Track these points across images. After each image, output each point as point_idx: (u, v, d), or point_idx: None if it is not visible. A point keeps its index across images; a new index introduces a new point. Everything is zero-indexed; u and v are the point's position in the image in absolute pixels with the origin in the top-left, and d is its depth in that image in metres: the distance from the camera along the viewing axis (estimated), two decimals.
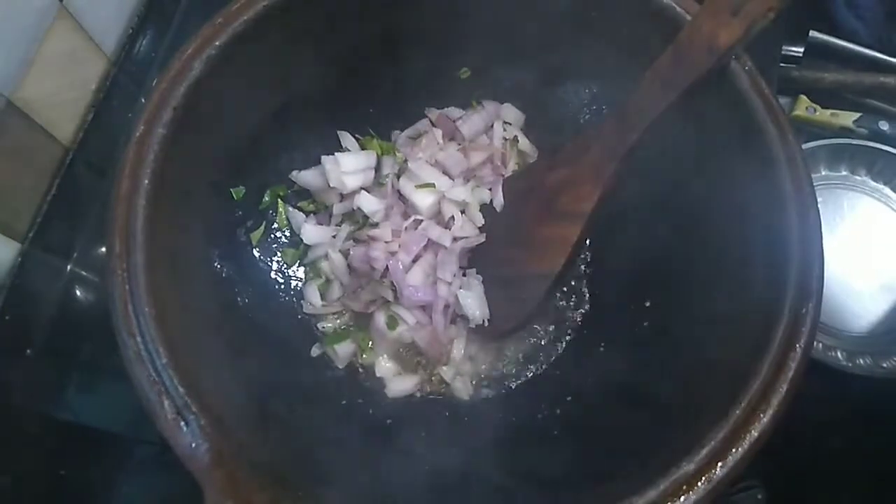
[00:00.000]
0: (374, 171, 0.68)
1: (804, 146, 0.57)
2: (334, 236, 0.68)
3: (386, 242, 0.65)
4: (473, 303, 0.65)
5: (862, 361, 0.69)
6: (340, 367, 0.65)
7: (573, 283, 0.69)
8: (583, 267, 0.69)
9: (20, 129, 0.66)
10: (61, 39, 0.69)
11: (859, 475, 0.69)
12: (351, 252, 0.66)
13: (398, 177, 0.68)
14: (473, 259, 0.68)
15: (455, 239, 0.66)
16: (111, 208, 0.47)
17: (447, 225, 0.67)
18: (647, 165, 0.59)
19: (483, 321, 0.65)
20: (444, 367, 0.65)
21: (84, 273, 0.71)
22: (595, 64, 0.64)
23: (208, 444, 0.41)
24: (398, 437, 0.60)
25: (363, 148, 0.70)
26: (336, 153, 0.66)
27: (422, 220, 0.66)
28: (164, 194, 0.48)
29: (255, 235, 0.65)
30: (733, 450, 0.41)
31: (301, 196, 0.69)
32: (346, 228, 0.68)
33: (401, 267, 0.64)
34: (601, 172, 0.58)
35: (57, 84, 0.70)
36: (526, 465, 0.55)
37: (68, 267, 0.71)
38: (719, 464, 0.41)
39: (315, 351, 0.65)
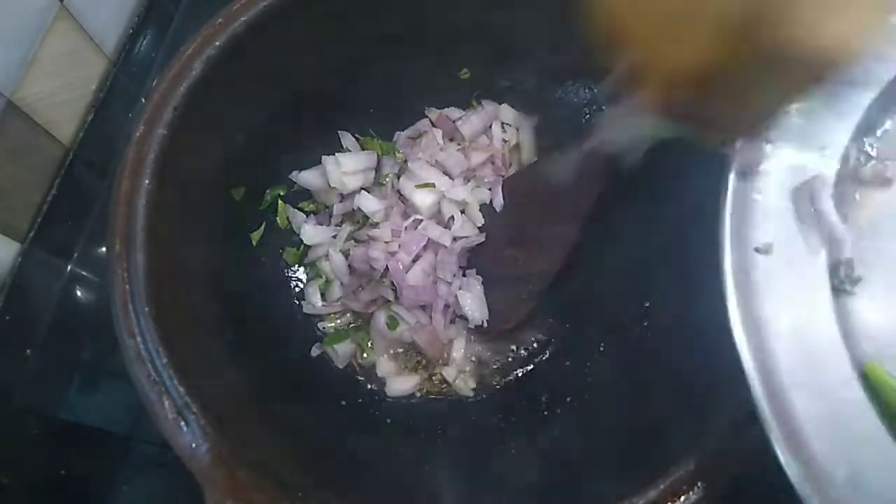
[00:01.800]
0: (374, 172, 0.68)
1: None
2: (334, 236, 0.68)
3: (386, 242, 0.65)
4: (473, 304, 0.65)
5: None
6: (340, 366, 0.65)
7: (573, 282, 0.69)
8: (582, 266, 0.69)
9: (20, 129, 0.66)
10: (61, 39, 0.69)
11: None
12: (351, 252, 0.66)
13: (398, 177, 0.68)
14: (473, 259, 0.68)
15: (455, 239, 0.66)
16: (111, 208, 0.47)
17: (447, 225, 0.67)
18: (645, 165, 0.59)
19: (482, 322, 0.65)
20: (445, 367, 0.65)
21: (84, 273, 0.71)
22: (595, 64, 0.64)
23: (208, 444, 0.41)
24: (398, 436, 0.60)
25: (363, 148, 0.70)
26: (336, 153, 0.66)
27: (422, 220, 0.66)
28: (164, 194, 0.48)
29: (255, 235, 0.65)
30: (734, 449, 0.41)
31: (301, 196, 0.69)
32: (346, 228, 0.68)
33: (401, 267, 0.64)
34: (600, 172, 0.58)
35: (57, 84, 0.70)
36: (526, 464, 0.55)
37: (68, 267, 0.71)
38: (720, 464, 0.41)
39: (315, 351, 0.65)
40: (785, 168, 0.37)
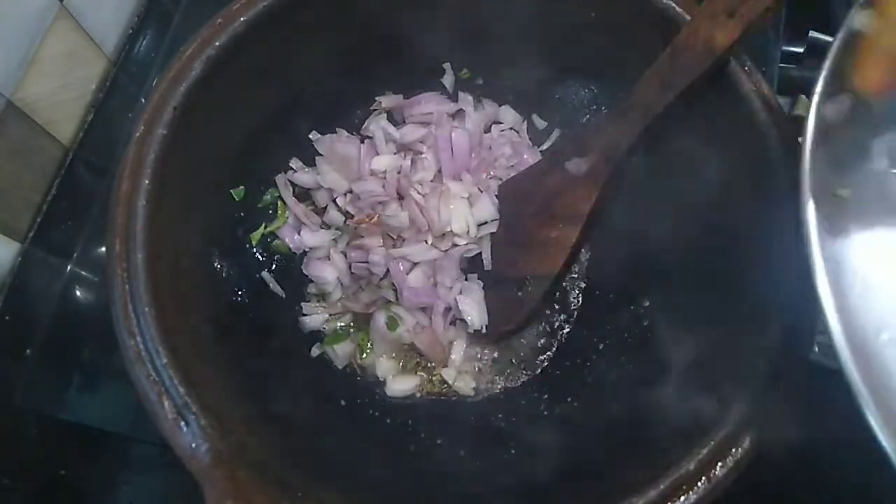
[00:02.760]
0: None
1: None
2: (335, 239, 0.68)
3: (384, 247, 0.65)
4: (473, 308, 0.65)
5: None
6: (340, 367, 0.65)
7: (572, 283, 0.69)
8: (581, 267, 0.69)
9: (20, 129, 0.66)
10: (61, 39, 0.69)
11: (858, 477, 0.68)
12: (350, 255, 0.66)
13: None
14: (473, 260, 0.68)
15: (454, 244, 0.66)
16: (111, 208, 0.47)
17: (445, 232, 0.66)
18: (645, 165, 0.59)
19: (482, 327, 0.65)
20: (445, 368, 0.65)
21: (84, 273, 0.71)
22: (595, 64, 0.64)
23: (208, 444, 0.41)
24: (397, 436, 0.60)
25: None
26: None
27: (405, 239, 0.66)
28: (164, 194, 0.48)
29: (255, 235, 0.65)
30: (733, 450, 0.41)
31: (301, 198, 0.69)
32: (346, 230, 0.68)
33: (401, 269, 0.64)
34: (599, 173, 0.58)
35: (57, 84, 0.70)
36: (526, 464, 0.55)
37: (68, 267, 0.71)
38: (719, 464, 0.41)
39: (315, 351, 0.65)
40: (862, 119, 0.37)
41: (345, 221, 0.67)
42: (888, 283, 0.33)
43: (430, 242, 0.65)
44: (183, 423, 0.41)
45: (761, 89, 0.50)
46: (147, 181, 0.47)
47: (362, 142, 0.69)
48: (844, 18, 0.39)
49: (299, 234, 0.67)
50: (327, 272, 0.66)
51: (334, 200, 0.68)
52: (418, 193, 0.65)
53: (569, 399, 0.61)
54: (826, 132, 0.37)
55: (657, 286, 0.61)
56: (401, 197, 0.66)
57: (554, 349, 0.66)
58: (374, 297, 0.66)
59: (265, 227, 0.66)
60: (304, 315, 0.66)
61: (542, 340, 0.67)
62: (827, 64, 0.38)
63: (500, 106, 0.72)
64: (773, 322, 0.44)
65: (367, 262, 0.64)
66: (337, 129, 0.69)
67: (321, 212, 0.69)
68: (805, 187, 0.36)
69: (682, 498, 0.40)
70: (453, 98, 0.71)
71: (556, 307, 0.68)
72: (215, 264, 0.58)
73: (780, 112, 0.50)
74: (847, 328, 0.32)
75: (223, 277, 0.58)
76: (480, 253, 0.67)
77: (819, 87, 0.38)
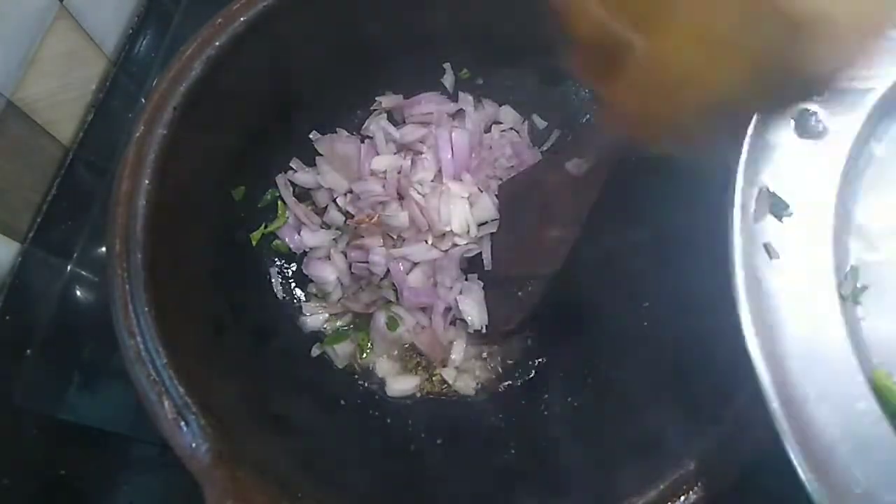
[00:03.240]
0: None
1: None
2: (335, 239, 0.68)
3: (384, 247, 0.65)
4: (473, 308, 0.65)
5: None
6: (340, 367, 0.65)
7: (572, 282, 0.69)
8: (582, 267, 0.69)
9: (20, 129, 0.66)
10: (61, 39, 0.69)
11: None
12: (350, 255, 0.66)
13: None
14: (473, 260, 0.68)
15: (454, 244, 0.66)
16: (111, 209, 0.47)
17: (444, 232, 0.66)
18: (646, 166, 0.59)
19: (482, 327, 0.65)
20: (445, 368, 0.65)
21: (84, 273, 0.71)
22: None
23: (208, 444, 0.41)
24: (398, 436, 0.60)
25: None
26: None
27: (405, 239, 0.66)
28: (164, 194, 0.48)
29: (255, 235, 0.65)
30: (734, 450, 0.41)
31: (301, 198, 0.69)
32: (346, 230, 0.68)
33: (401, 269, 0.64)
34: (599, 173, 0.58)
35: (57, 84, 0.70)
36: (526, 464, 0.55)
37: (68, 267, 0.71)
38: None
39: (315, 351, 0.65)
40: (794, 172, 0.36)
41: (345, 221, 0.67)
42: (825, 350, 0.33)
43: (430, 242, 0.65)
44: (183, 423, 0.41)
45: None
46: (147, 181, 0.48)
47: (362, 142, 0.69)
48: None
49: (299, 234, 0.67)
50: (327, 272, 0.66)
51: (334, 200, 0.68)
52: (418, 193, 0.65)
53: (569, 399, 0.61)
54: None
55: (656, 287, 0.61)
56: (401, 197, 0.66)
57: (554, 349, 0.66)
58: (374, 297, 0.66)
59: (265, 227, 0.66)
60: (304, 315, 0.66)
61: (543, 340, 0.67)
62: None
63: (500, 106, 0.72)
64: None
65: (367, 262, 0.64)
66: (337, 129, 0.69)
67: (321, 212, 0.69)
68: (736, 247, 0.35)
69: (682, 498, 0.40)
70: (453, 98, 0.71)
71: (556, 307, 0.68)
72: (215, 264, 0.58)
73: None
74: (784, 399, 0.32)
75: (223, 277, 0.58)
76: (480, 253, 0.67)
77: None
